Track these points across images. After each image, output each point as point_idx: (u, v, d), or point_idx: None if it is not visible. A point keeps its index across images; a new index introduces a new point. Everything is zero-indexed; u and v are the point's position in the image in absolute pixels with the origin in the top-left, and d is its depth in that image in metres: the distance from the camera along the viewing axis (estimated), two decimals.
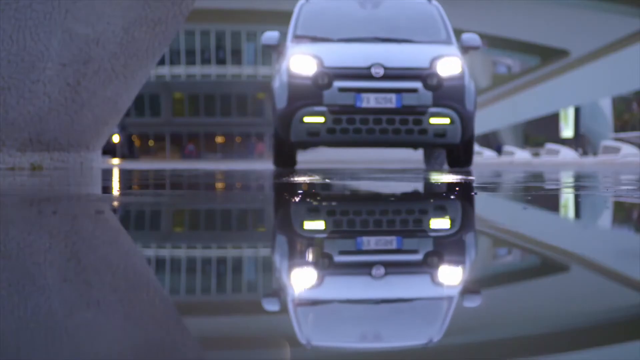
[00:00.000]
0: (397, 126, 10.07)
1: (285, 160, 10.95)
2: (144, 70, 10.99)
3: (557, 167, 13.53)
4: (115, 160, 31.58)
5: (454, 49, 10.78)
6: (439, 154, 13.50)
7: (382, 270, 1.85)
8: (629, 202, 3.93)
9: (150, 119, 67.38)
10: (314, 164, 16.73)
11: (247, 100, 67.48)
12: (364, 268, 1.93)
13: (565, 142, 56.42)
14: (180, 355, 1.15)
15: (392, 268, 1.93)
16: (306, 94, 10.05)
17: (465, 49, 10.93)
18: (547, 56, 52.68)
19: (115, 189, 5.12)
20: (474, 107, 10.45)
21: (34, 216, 3.04)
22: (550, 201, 4.16)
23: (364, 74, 10.08)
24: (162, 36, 10.75)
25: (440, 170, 10.58)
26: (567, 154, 31.20)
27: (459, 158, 10.93)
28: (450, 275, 1.87)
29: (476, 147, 31.85)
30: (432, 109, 10.06)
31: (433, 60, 10.26)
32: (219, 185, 5.91)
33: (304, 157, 15.57)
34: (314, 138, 10.18)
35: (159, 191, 4.93)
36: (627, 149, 26.23)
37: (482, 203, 4.07)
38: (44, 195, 4.18)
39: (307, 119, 10.05)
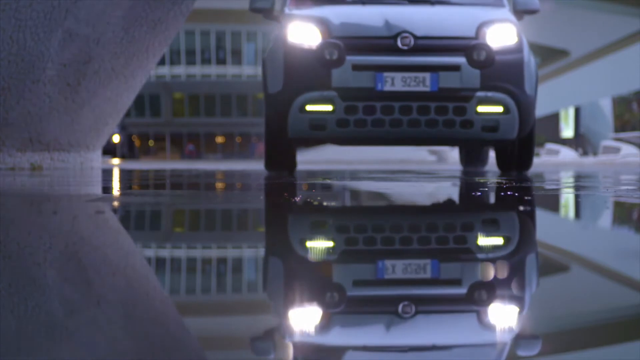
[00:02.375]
0: (433, 116, 7.56)
1: (280, 161, 8.38)
2: (144, 70, 10.99)
3: (557, 167, 13.54)
4: (116, 160, 31.58)
5: (506, 12, 8.19)
6: (482, 152, 11.05)
7: (411, 307, 1.44)
8: (629, 202, 3.93)
9: (150, 119, 67.36)
10: (303, 164, 16.67)
11: (247, 100, 67.44)
12: (388, 304, 1.51)
13: (565, 142, 56.43)
14: (180, 355, 1.15)
15: (426, 304, 1.51)
16: (309, 73, 7.59)
17: (519, 14, 8.40)
18: (547, 56, 52.68)
19: (116, 189, 5.12)
20: (535, 91, 7.92)
21: (34, 216, 3.04)
22: (559, 202, 4.16)
23: (387, 45, 7.59)
24: (162, 36, 10.75)
25: (482, 172, 8.75)
26: (567, 154, 31.22)
27: (514, 159, 8.39)
28: (503, 315, 1.44)
29: None
30: (480, 93, 7.54)
31: (480, 26, 7.72)
32: (219, 185, 5.91)
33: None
34: (319, 133, 7.69)
35: (159, 191, 4.93)
36: (627, 149, 26.26)
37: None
38: (44, 195, 4.18)
39: (310, 107, 7.59)
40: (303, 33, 7.75)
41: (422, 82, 7.54)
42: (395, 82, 7.55)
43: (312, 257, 2.08)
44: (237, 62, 66.63)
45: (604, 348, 1.23)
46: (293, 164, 8.54)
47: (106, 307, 1.43)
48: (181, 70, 66.64)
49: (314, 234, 2.62)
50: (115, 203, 3.76)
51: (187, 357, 1.16)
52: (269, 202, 3.86)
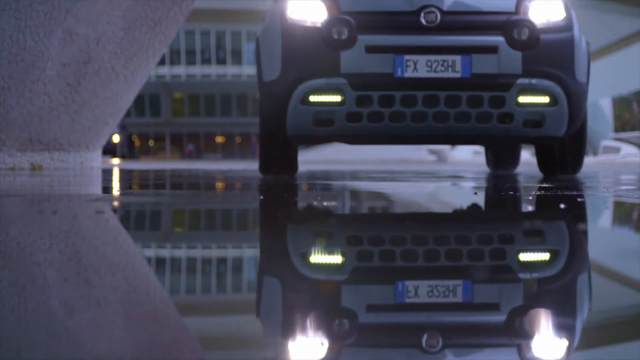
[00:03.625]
0: (464, 109, 6.28)
1: (278, 163, 7.12)
2: (144, 70, 10.99)
3: None
4: (116, 160, 31.59)
5: None
6: (514, 151, 9.70)
7: (438, 339, 1.20)
8: (629, 202, 3.92)
9: (150, 119, 67.41)
10: (299, 164, 16.58)
11: (247, 100, 67.47)
12: (409, 335, 1.26)
13: None
14: (181, 355, 1.15)
15: (455, 335, 1.25)
16: (312, 57, 6.27)
17: None
18: None
19: (116, 189, 5.12)
20: (587, 77, 6.72)
21: (34, 216, 3.04)
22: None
23: (408, 22, 6.28)
24: (162, 36, 10.75)
25: (514, 175, 7.74)
26: None
27: (562, 160, 7.15)
28: (549, 348, 1.19)
29: (477, 147, 31.83)
30: (522, 80, 6.25)
31: (521, 0, 6.43)
32: (218, 185, 5.91)
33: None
34: (326, 129, 6.38)
35: (159, 191, 4.93)
36: (627, 149, 26.28)
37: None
38: (44, 195, 4.18)
39: (315, 98, 6.28)
40: (305, 7, 6.42)
41: (452, 67, 6.22)
42: (419, 67, 6.21)
43: (316, 275, 1.79)
44: (237, 62, 66.66)
45: (605, 348, 1.23)
46: (293, 166, 7.28)
47: (106, 307, 1.43)
48: (181, 70, 66.67)
49: (318, 246, 2.23)
50: (115, 203, 3.76)
51: (187, 357, 1.16)
52: (268, 205, 3.85)
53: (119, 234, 2.62)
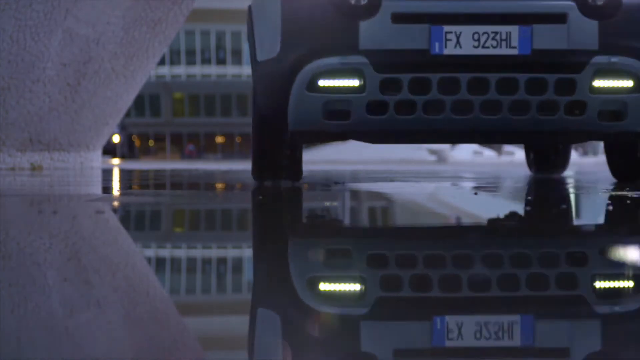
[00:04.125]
0: (523, 96, 4.75)
1: (275, 167, 5.34)
2: (144, 70, 11.00)
3: None
4: (116, 160, 31.60)
5: None
6: (563, 150, 7.83)
7: None
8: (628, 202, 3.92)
9: (150, 119, 67.43)
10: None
11: (248, 100, 67.46)
12: None
13: None
14: (181, 355, 1.15)
15: None
16: (322, 28, 4.76)
17: None
18: None
19: (115, 189, 5.12)
20: None
21: (34, 216, 3.04)
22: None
23: None
24: (162, 36, 10.76)
25: (557, 176, 6.87)
26: None
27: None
28: None
29: (476, 147, 31.76)
30: (599, 59, 4.76)
31: None
32: (218, 185, 5.91)
33: None
34: (339, 123, 4.77)
35: (159, 191, 4.93)
36: None
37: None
38: (44, 195, 4.18)
39: (325, 82, 4.71)
40: None
41: (506, 41, 4.74)
42: (462, 42, 4.72)
43: (328, 308, 1.41)
44: (237, 62, 66.69)
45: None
46: (295, 170, 5.48)
47: (106, 307, 1.43)
48: (181, 70, 66.70)
49: (329, 270, 1.79)
50: (115, 203, 3.76)
51: (187, 357, 1.16)
52: (267, 206, 3.85)
53: (119, 234, 2.62)
